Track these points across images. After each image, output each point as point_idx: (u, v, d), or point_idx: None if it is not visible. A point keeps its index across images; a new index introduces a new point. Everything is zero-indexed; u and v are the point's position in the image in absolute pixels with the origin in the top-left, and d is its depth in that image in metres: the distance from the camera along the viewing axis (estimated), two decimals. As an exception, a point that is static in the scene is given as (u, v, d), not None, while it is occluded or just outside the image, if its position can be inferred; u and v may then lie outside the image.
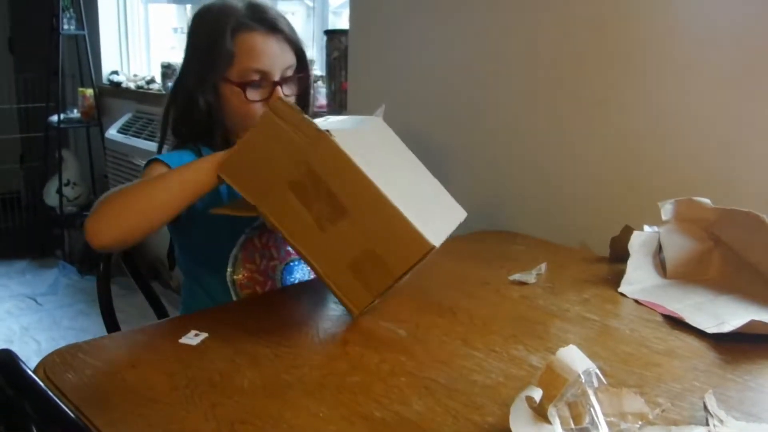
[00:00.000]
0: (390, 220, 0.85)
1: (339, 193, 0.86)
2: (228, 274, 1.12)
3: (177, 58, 3.02)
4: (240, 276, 1.13)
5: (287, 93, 1.12)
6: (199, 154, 1.11)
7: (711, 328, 0.91)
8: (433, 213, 0.98)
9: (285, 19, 1.14)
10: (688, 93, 1.31)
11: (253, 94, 1.09)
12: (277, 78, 1.10)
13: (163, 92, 2.98)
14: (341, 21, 2.53)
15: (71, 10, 3.30)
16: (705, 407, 0.68)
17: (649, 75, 1.36)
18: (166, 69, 2.99)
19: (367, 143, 0.97)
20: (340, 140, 0.86)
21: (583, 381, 0.62)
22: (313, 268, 0.91)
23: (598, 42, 1.43)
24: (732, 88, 1.25)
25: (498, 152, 1.62)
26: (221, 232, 1.11)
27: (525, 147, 1.60)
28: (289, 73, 1.13)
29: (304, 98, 1.20)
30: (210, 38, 1.10)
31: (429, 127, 1.77)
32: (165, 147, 1.19)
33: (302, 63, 1.16)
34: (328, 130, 0.86)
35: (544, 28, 1.52)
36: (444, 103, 1.77)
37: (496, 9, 1.61)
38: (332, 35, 2.15)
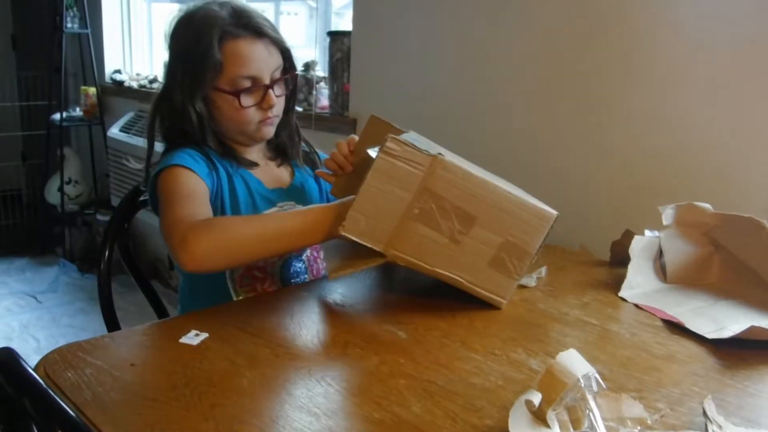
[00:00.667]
0: (514, 209, 0.95)
1: (464, 204, 0.93)
2: (228, 271, 1.13)
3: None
4: (238, 273, 1.14)
5: (278, 94, 1.13)
6: (206, 155, 1.11)
7: (711, 334, 0.91)
8: (522, 192, 1.04)
9: (268, 21, 1.14)
10: (690, 97, 1.31)
11: (247, 100, 1.10)
12: (267, 81, 1.11)
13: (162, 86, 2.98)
14: (344, 22, 2.53)
15: (75, 8, 3.31)
16: (704, 413, 0.68)
17: (650, 79, 1.36)
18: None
19: (450, 153, 1.00)
20: (449, 158, 0.92)
21: (583, 385, 0.61)
22: (455, 284, 0.96)
23: (600, 46, 1.43)
24: (733, 92, 1.25)
25: (499, 155, 1.62)
26: None
27: (526, 150, 1.60)
28: (278, 74, 1.13)
29: (291, 97, 1.21)
30: (196, 49, 1.08)
31: (430, 128, 1.77)
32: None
33: (288, 62, 1.16)
34: (439, 153, 0.91)
35: (546, 31, 1.53)
36: (445, 104, 1.77)
37: (498, 12, 1.62)
38: (335, 36, 2.15)
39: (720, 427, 0.67)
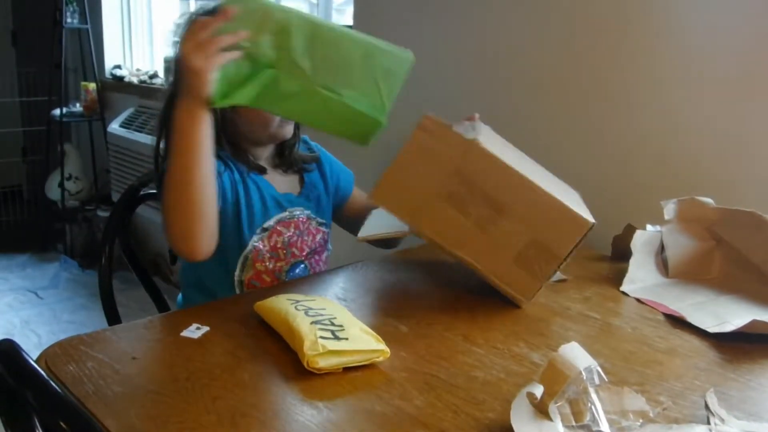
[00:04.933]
0: (548, 208, 0.93)
1: (494, 193, 0.93)
2: (236, 274, 1.12)
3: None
4: (247, 276, 1.13)
5: None
6: (218, 157, 1.07)
7: (712, 328, 0.91)
8: (571, 195, 1.04)
9: None
10: (692, 92, 1.30)
11: None
12: None
13: (166, 87, 2.97)
14: (345, 18, 2.53)
15: (74, 3, 3.30)
16: (706, 406, 0.68)
17: (652, 74, 1.35)
18: (169, 64, 2.99)
19: (498, 144, 1.01)
20: (487, 145, 0.92)
21: (585, 378, 0.61)
22: (477, 270, 0.96)
23: (602, 41, 1.43)
24: (735, 88, 1.25)
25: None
26: (238, 230, 1.11)
27: (528, 145, 1.59)
28: None
29: None
30: None
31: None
32: None
33: None
34: (475, 138, 0.91)
35: (549, 28, 1.52)
36: (447, 101, 1.77)
37: (501, 8, 1.61)
38: (336, 32, 2.14)
39: (722, 420, 0.66)
